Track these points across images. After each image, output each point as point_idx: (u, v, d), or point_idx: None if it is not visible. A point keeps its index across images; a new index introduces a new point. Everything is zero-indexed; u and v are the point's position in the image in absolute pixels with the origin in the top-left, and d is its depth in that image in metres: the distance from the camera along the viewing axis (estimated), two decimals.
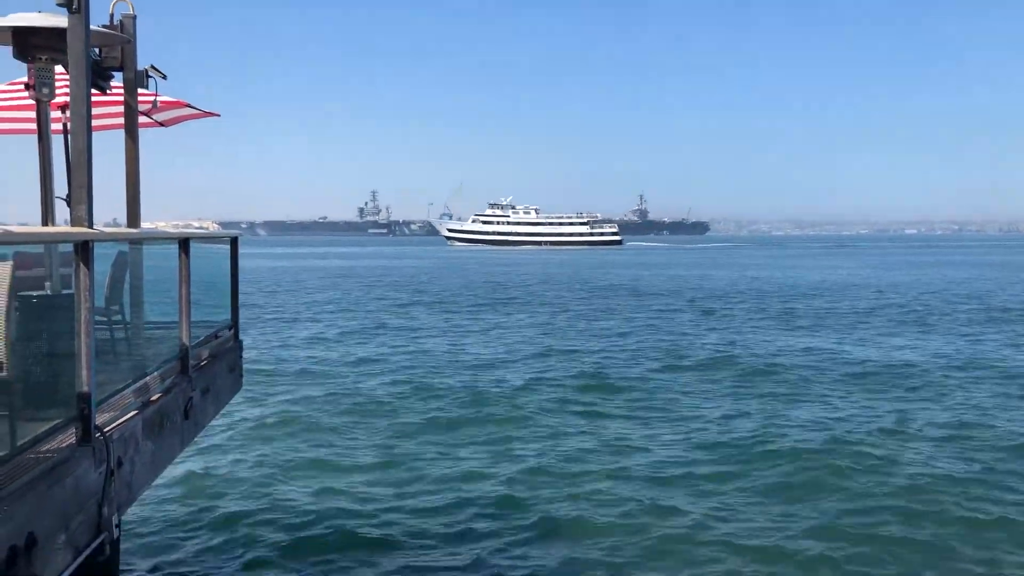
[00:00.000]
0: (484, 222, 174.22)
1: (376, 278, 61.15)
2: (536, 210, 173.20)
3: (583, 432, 14.02)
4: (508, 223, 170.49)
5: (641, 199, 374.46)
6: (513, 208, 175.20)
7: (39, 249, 5.75)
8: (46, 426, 3.87)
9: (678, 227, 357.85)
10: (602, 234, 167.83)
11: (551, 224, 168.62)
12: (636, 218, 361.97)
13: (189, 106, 7.65)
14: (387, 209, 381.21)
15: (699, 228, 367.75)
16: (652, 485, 11.05)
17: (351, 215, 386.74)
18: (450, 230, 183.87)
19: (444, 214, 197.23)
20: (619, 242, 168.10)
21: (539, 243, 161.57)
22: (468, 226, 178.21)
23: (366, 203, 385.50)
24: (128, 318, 6.61)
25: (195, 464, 11.75)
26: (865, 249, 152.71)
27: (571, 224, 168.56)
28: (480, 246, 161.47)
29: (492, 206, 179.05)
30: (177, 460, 5.94)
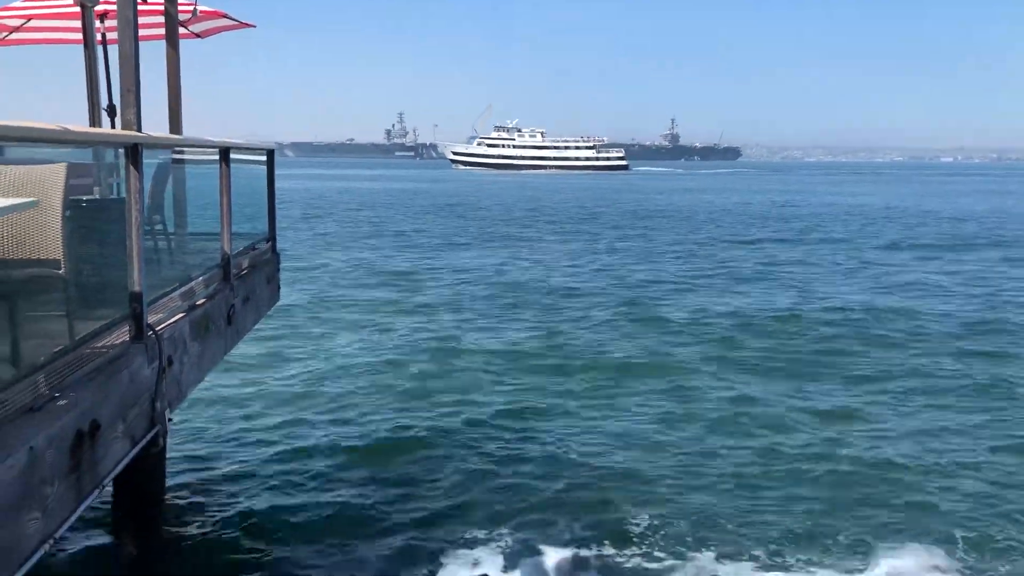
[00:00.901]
0: (489, 145, 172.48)
1: (400, 200, 61.20)
2: (542, 133, 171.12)
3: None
4: (514, 146, 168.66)
5: (672, 123, 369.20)
6: (519, 131, 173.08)
7: (86, 160, 5.89)
8: (101, 323, 4.02)
9: (709, 152, 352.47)
10: (608, 159, 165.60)
11: (557, 148, 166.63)
12: (667, 143, 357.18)
13: (226, 16, 7.65)
14: (414, 132, 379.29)
15: (730, 154, 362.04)
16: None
17: (378, 137, 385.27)
18: (455, 153, 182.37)
19: (471, 137, 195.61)
20: (626, 167, 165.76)
21: (544, 167, 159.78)
22: (473, 149, 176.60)
23: (393, 125, 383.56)
24: (171, 228, 6.76)
25: (236, 370, 12.10)
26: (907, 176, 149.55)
27: (577, 148, 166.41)
28: (484, 170, 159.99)
29: (498, 129, 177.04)
30: (220, 365, 6.12)
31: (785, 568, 6.96)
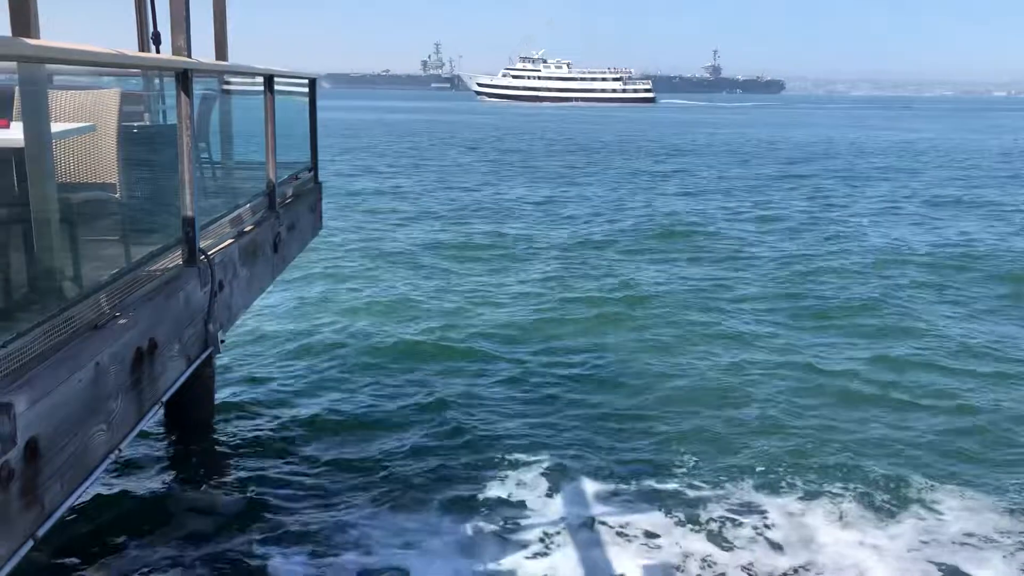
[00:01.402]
0: (514, 76, 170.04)
1: (434, 133, 60.91)
2: (568, 64, 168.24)
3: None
4: (539, 78, 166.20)
5: (714, 55, 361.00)
6: (544, 62, 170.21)
7: (136, 89, 5.97)
8: (156, 247, 4.13)
9: (751, 86, 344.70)
10: (635, 91, 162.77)
11: (583, 80, 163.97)
12: (708, 75, 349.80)
13: None
14: (450, 63, 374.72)
15: (773, 87, 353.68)
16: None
17: (414, 68, 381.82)
18: (480, 84, 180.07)
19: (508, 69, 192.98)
20: (652, 100, 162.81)
21: (569, 99, 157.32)
22: (498, 80, 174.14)
23: (429, 56, 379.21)
24: (217, 157, 6.85)
25: (282, 297, 12.38)
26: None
27: (603, 80, 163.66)
28: (509, 102, 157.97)
29: (523, 60, 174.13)
30: (267, 291, 6.27)
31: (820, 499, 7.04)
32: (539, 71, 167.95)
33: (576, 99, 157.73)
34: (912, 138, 60.29)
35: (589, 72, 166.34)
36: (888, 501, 6.97)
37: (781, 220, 21.56)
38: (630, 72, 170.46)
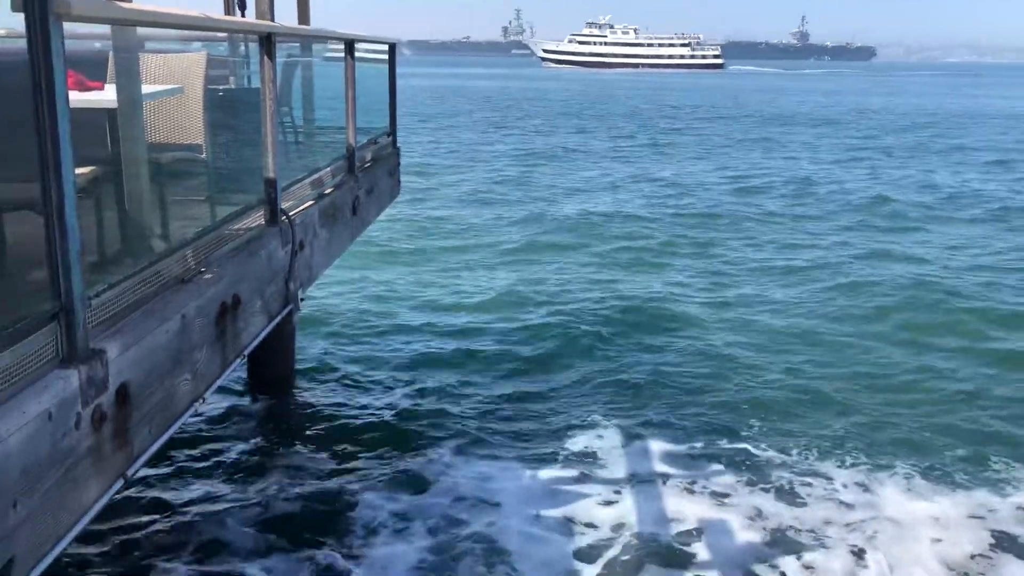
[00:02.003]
0: (580, 42, 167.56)
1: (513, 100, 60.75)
2: (635, 30, 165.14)
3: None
4: (605, 43, 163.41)
5: (802, 20, 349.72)
6: (611, 28, 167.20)
7: (222, 54, 6.14)
8: (239, 207, 4.27)
9: (841, 52, 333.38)
10: (704, 57, 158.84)
11: (650, 45, 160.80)
12: (795, 41, 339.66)
13: None
14: (531, 28, 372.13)
15: (863, 53, 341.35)
16: None
17: (495, 34, 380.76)
18: (545, 51, 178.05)
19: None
20: (721, 66, 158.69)
21: (636, 65, 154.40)
22: (564, 47, 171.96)
23: (510, 22, 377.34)
24: (299, 121, 7.01)
25: (361, 257, 12.68)
26: None
27: (671, 46, 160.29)
28: (574, 68, 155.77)
29: (589, 25, 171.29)
30: (346, 252, 6.43)
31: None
32: (605, 36, 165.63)
33: (643, 65, 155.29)
34: None
35: (656, 38, 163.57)
36: (962, 472, 6.90)
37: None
38: (698, 38, 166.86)
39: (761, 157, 28.30)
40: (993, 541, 5.98)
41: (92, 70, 3.89)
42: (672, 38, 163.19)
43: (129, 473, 2.71)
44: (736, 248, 14.71)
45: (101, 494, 2.54)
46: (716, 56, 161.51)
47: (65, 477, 2.31)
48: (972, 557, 5.80)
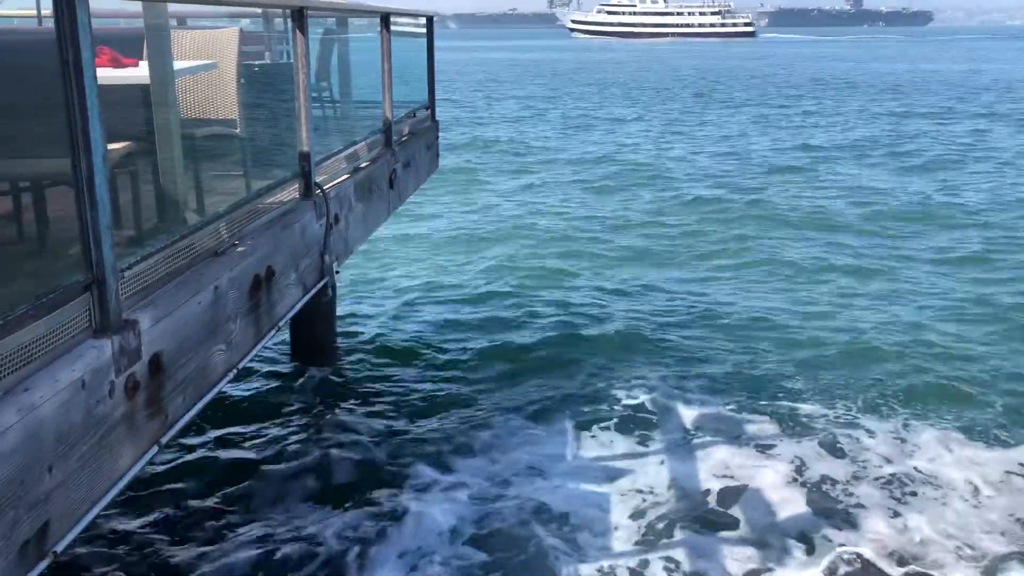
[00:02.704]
0: (609, 12, 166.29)
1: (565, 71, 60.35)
2: None
3: None
4: (633, 13, 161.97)
5: None
6: None
7: (256, 30, 6.19)
8: (273, 180, 4.33)
9: (895, 17, 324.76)
10: (734, 25, 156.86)
11: (680, 14, 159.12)
12: (848, 7, 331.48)
13: None
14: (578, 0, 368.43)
15: (920, 19, 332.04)
16: None
17: (540, 5, 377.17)
18: (574, 21, 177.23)
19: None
20: (752, 34, 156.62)
21: (665, 35, 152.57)
22: (593, 17, 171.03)
23: None
24: (336, 96, 7.05)
25: (399, 232, 12.80)
26: None
27: (701, 15, 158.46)
28: (604, 38, 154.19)
29: None
30: (383, 225, 6.49)
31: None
32: (634, 5, 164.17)
33: (671, 34, 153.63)
34: None
35: (686, 6, 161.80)
36: (999, 430, 6.94)
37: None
38: (729, 5, 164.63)
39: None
40: None
41: (128, 47, 3.96)
42: (702, 6, 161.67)
43: (163, 440, 2.79)
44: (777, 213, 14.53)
45: (135, 461, 2.62)
46: (747, 24, 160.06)
47: (100, 444, 2.39)
48: (1011, 515, 5.78)
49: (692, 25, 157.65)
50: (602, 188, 17.19)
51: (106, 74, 3.26)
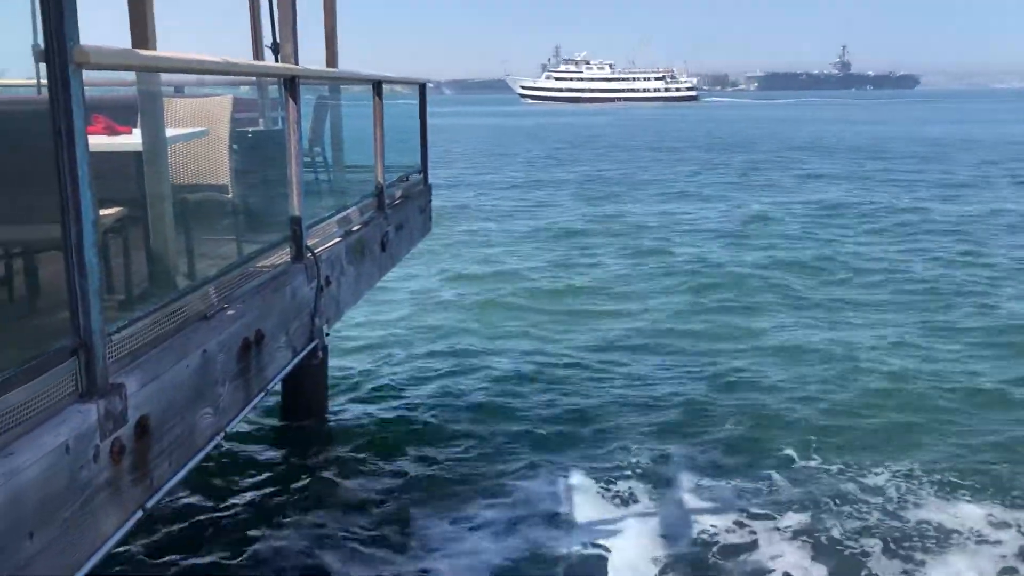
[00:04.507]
0: (557, 78, 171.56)
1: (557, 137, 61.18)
2: (611, 65, 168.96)
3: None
4: (581, 79, 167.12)
5: (843, 51, 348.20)
6: (587, 63, 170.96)
7: (251, 97, 6.31)
8: (264, 244, 4.37)
9: (883, 81, 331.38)
10: (678, 90, 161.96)
11: (625, 80, 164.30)
12: (836, 71, 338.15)
13: None
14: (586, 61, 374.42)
15: (907, 82, 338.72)
16: None
17: (535, 71, 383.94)
18: (523, 87, 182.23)
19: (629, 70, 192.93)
20: (695, 98, 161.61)
21: (612, 100, 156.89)
22: (541, 83, 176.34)
23: (549, 59, 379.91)
24: (329, 160, 7.15)
25: (390, 294, 12.85)
26: None
27: (646, 80, 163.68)
28: (553, 104, 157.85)
29: (566, 62, 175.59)
30: (375, 289, 6.54)
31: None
32: (581, 72, 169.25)
33: (618, 99, 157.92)
34: None
35: (631, 72, 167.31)
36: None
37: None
38: (672, 72, 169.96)
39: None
40: None
41: (123, 115, 4.03)
42: (647, 72, 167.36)
43: (148, 505, 2.77)
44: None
45: (119, 525, 2.60)
46: (690, 89, 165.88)
47: (83, 509, 2.37)
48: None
49: (637, 90, 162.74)
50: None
51: (100, 142, 3.32)
